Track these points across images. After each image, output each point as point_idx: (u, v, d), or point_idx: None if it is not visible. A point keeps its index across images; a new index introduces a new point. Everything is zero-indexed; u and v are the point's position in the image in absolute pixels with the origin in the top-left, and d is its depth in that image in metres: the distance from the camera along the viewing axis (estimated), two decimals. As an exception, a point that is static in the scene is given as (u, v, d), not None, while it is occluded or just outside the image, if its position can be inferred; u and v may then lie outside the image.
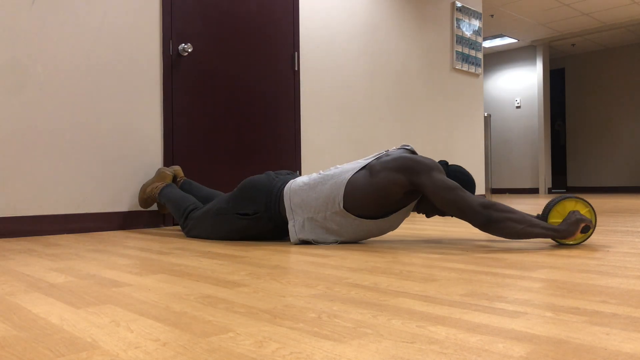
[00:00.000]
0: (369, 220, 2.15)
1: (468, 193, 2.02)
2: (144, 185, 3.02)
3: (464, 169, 2.25)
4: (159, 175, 3.01)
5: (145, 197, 3.00)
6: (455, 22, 5.54)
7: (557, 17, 8.26)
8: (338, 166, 2.27)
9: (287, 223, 2.27)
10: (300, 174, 3.97)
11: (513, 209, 1.98)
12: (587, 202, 1.98)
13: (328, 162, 4.24)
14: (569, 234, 1.90)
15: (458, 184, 2.04)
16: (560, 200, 1.99)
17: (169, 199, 2.79)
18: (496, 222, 1.94)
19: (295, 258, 1.80)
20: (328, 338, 0.87)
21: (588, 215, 1.97)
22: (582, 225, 1.90)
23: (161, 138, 3.20)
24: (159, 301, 1.16)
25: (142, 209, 3.12)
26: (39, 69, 2.75)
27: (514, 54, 10.10)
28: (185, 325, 0.96)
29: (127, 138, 3.05)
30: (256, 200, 2.27)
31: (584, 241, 2.02)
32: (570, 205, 1.98)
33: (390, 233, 2.62)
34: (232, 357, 0.78)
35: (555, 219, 1.99)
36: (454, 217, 3.44)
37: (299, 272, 1.50)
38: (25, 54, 2.70)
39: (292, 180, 2.28)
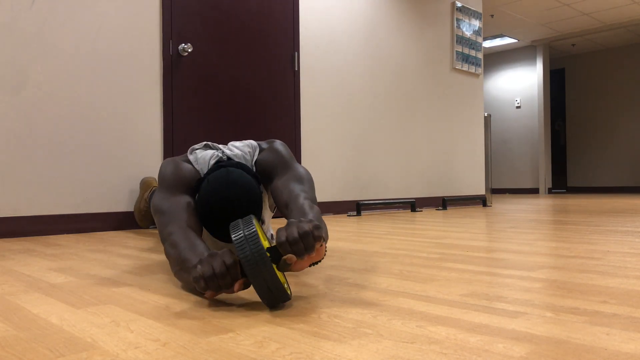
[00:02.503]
0: None
1: (160, 222, 1.38)
2: (135, 203, 2.98)
3: (211, 196, 1.37)
4: (144, 184, 2.96)
5: (141, 213, 2.95)
6: (455, 22, 5.53)
7: (557, 17, 8.26)
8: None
9: None
10: None
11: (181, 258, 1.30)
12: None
13: (328, 161, 4.24)
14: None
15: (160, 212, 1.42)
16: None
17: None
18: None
19: (295, 258, 1.79)
20: (328, 338, 0.87)
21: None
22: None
23: (161, 138, 3.20)
24: (159, 301, 1.16)
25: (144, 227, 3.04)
26: (39, 69, 2.75)
27: (514, 54, 10.10)
28: (185, 325, 0.96)
29: (126, 138, 3.05)
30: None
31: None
32: None
33: (390, 233, 2.62)
34: (232, 357, 0.78)
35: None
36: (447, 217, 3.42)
37: (299, 272, 1.50)
38: (25, 54, 2.70)
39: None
